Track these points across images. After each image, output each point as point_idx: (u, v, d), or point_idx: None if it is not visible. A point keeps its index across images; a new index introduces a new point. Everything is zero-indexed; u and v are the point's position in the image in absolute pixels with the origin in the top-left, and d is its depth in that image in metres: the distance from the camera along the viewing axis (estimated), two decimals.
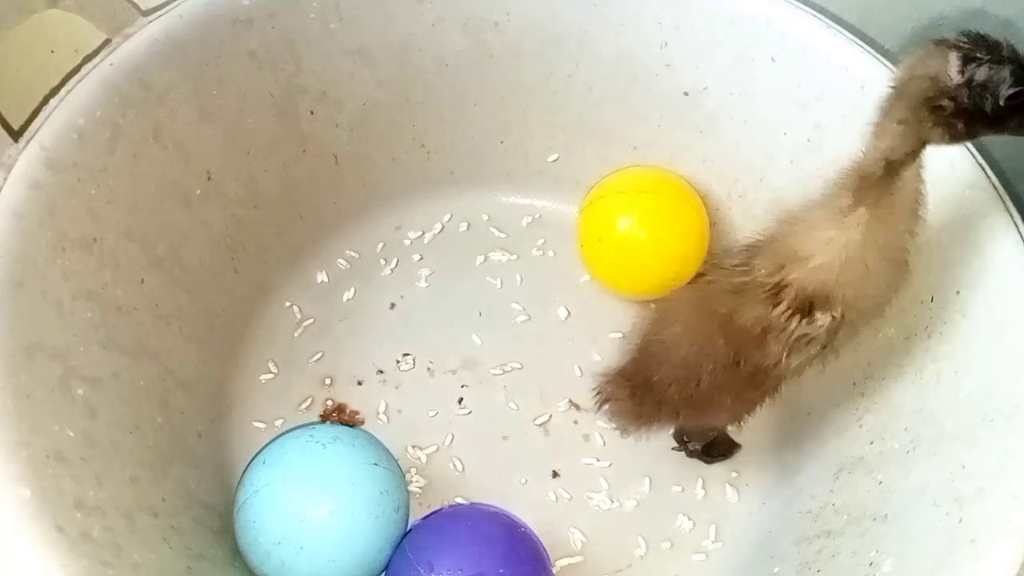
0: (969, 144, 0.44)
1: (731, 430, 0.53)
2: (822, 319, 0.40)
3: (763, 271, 0.41)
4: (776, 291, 0.41)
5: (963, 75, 0.35)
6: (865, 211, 0.38)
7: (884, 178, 0.38)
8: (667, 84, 0.54)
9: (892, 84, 0.37)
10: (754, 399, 0.46)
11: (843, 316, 0.40)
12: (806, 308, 0.40)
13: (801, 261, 0.40)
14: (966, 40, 0.36)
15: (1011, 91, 0.35)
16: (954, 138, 0.37)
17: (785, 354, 0.42)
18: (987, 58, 0.35)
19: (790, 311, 0.40)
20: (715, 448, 0.53)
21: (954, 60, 0.35)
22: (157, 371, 0.48)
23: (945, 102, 0.36)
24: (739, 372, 0.43)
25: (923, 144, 0.37)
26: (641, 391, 0.46)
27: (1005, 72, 0.35)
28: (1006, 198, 0.43)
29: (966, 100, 0.35)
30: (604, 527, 0.51)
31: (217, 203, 0.52)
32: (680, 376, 0.44)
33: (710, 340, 0.43)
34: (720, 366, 0.43)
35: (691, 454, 0.53)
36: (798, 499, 0.50)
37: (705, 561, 0.50)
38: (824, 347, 0.41)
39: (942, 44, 0.36)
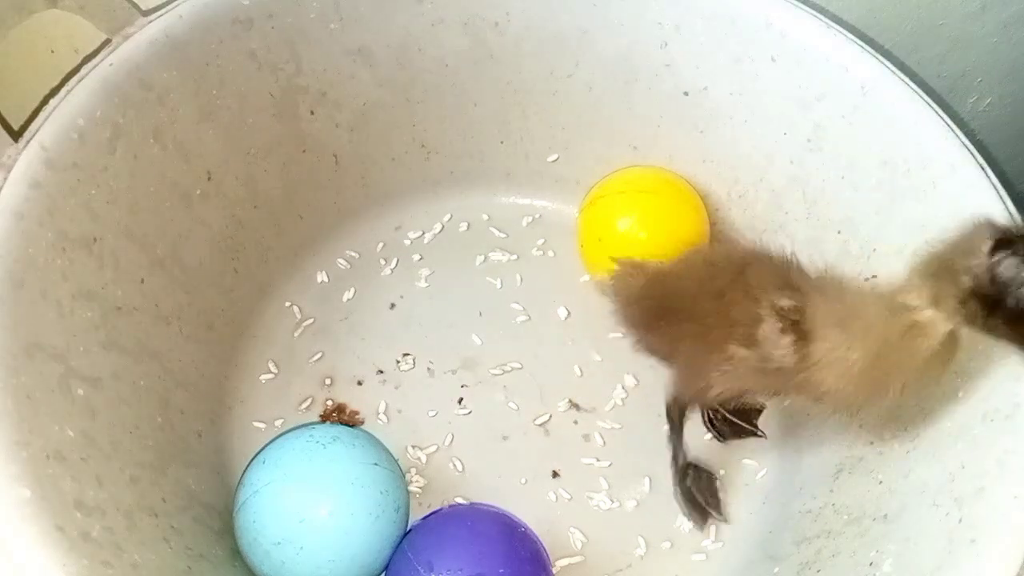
0: (969, 144, 0.44)
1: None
2: (784, 346, 0.40)
3: (803, 277, 0.42)
4: (792, 289, 0.41)
5: (989, 258, 0.34)
6: (869, 323, 0.38)
7: (896, 313, 0.38)
8: (667, 84, 0.54)
9: (933, 248, 0.37)
10: (694, 376, 0.46)
11: (796, 372, 0.40)
12: (788, 324, 0.40)
13: (827, 303, 0.40)
14: (1013, 229, 0.35)
15: None
16: (971, 320, 0.36)
17: (735, 336, 0.42)
18: (1022, 253, 0.34)
19: (780, 311, 0.41)
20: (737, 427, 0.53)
21: (988, 241, 0.35)
22: (157, 371, 0.48)
23: (966, 279, 0.35)
24: (703, 327, 0.44)
25: (949, 313, 0.36)
26: (647, 277, 0.48)
27: None
28: (1006, 198, 0.43)
29: (985, 286, 0.35)
30: (604, 527, 0.51)
31: (217, 203, 0.52)
32: (678, 284, 0.46)
33: (720, 276, 0.44)
34: (702, 302, 0.44)
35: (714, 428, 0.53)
36: (798, 499, 0.50)
37: (705, 561, 0.50)
38: (755, 372, 0.42)
39: (989, 224, 0.36)
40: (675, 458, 0.51)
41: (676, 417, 0.50)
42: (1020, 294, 0.34)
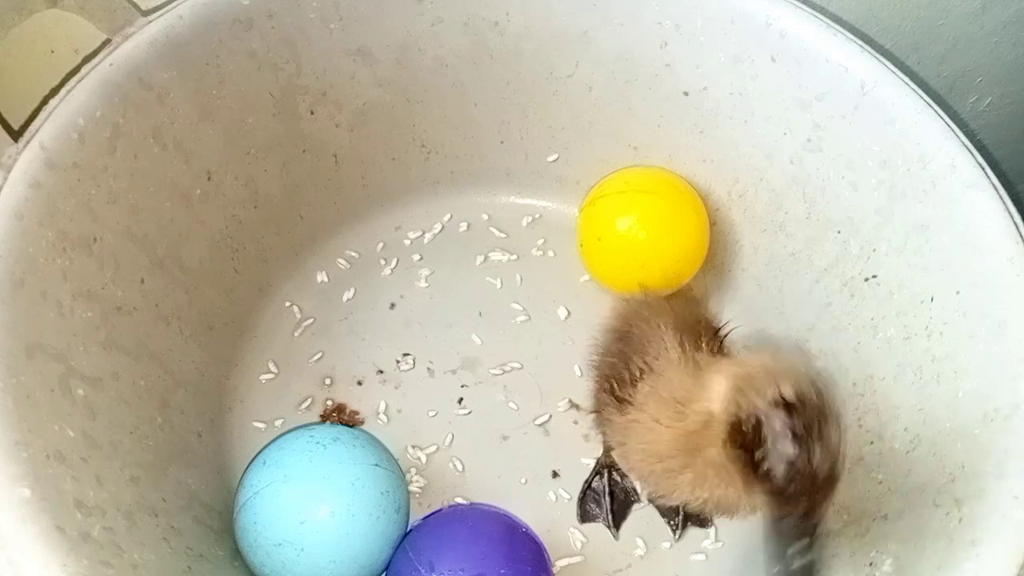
0: (969, 144, 0.44)
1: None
2: (639, 389, 0.42)
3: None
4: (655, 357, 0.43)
5: (768, 407, 0.34)
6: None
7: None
8: (667, 84, 0.54)
9: (735, 367, 0.36)
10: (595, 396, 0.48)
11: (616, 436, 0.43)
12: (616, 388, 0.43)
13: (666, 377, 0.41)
14: (803, 392, 0.34)
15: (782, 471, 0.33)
16: (733, 459, 0.35)
17: (604, 380, 0.45)
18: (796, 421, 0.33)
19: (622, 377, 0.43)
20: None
21: (776, 389, 0.34)
22: (157, 371, 0.48)
23: (742, 411, 0.34)
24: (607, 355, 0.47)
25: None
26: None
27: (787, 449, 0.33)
28: (1006, 198, 0.43)
29: (749, 429, 0.34)
30: (604, 527, 0.51)
31: (217, 203, 0.52)
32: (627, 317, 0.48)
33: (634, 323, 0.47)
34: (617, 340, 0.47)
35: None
36: None
37: (705, 561, 0.50)
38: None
39: (790, 372, 0.34)
40: (597, 459, 0.53)
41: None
42: (773, 456, 0.33)
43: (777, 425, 0.33)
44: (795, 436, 0.33)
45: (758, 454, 0.34)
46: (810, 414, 0.34)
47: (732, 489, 0.37)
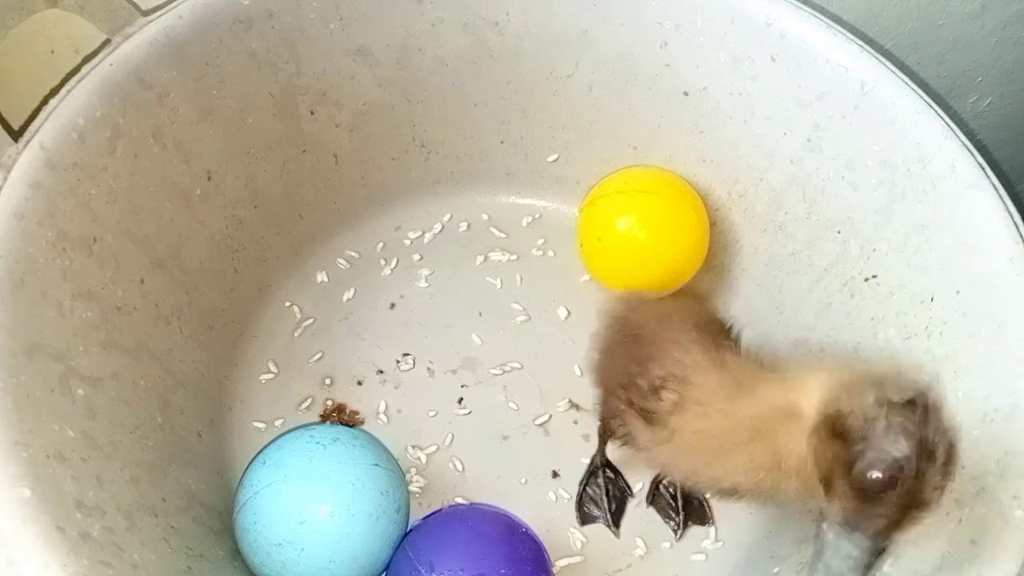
0: (969, 144, 0.44)
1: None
2: (664, 398, 0.40)
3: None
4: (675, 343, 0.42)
5: (874, 408, 0.32)
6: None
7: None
8: (667, 84, 0.54)
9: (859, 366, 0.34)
10: (607, 403, 0.47)
11: (665, 433, 0.41)
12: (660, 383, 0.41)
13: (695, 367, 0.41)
14: (904, 394, 0.32)
15: (871, 474, 0.31)
16: (817, 456, 0.33)
17: (625, 386, 0.43)
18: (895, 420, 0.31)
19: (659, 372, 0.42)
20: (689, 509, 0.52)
21: (873, 392, 0.32)
22: (157, 371, 0.48)
23: (845, 408, 0.32)
24: (618, 361, 0.46)
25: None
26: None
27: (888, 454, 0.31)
28: (1006, 198, 0.43)
29: (849, 428, 0.32)
30: (604, 527, 0.51)
31: (217, 203, 0.52)
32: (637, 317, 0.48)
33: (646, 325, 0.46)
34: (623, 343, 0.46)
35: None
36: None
37: (705, 561, 0.50)
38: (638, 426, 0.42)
39: (898, 379, 0.33)
40: (592, 459, 0.52)
41: (602, 431, 0.51)
42: (876, 449, 0.31)
43: (890, 423, 0.31)
44: (908, 436, 0.31)
45: (859, 446, 0.32)
46: (930, 425, 0.32)
47: (797, 479, 0.35)
